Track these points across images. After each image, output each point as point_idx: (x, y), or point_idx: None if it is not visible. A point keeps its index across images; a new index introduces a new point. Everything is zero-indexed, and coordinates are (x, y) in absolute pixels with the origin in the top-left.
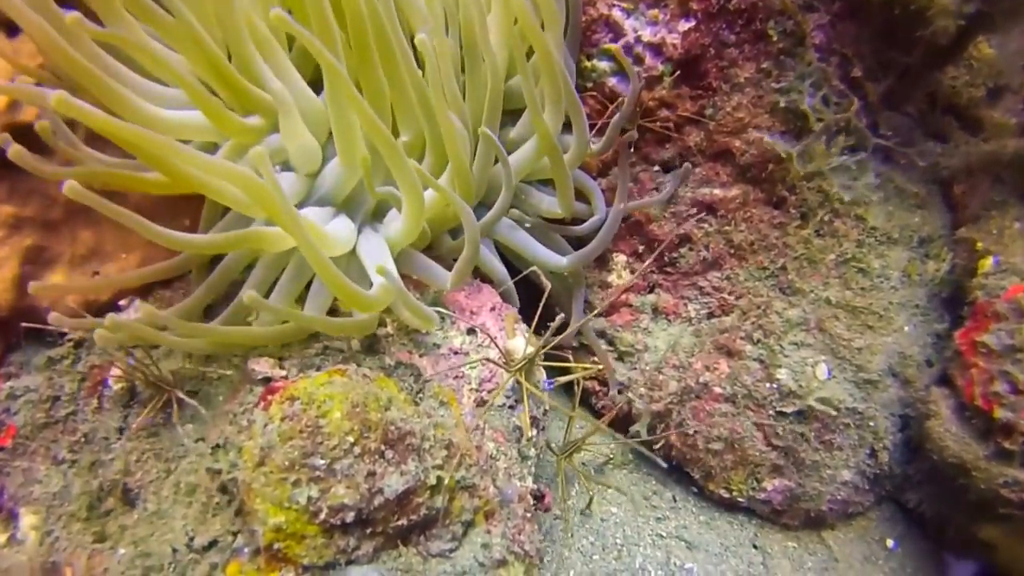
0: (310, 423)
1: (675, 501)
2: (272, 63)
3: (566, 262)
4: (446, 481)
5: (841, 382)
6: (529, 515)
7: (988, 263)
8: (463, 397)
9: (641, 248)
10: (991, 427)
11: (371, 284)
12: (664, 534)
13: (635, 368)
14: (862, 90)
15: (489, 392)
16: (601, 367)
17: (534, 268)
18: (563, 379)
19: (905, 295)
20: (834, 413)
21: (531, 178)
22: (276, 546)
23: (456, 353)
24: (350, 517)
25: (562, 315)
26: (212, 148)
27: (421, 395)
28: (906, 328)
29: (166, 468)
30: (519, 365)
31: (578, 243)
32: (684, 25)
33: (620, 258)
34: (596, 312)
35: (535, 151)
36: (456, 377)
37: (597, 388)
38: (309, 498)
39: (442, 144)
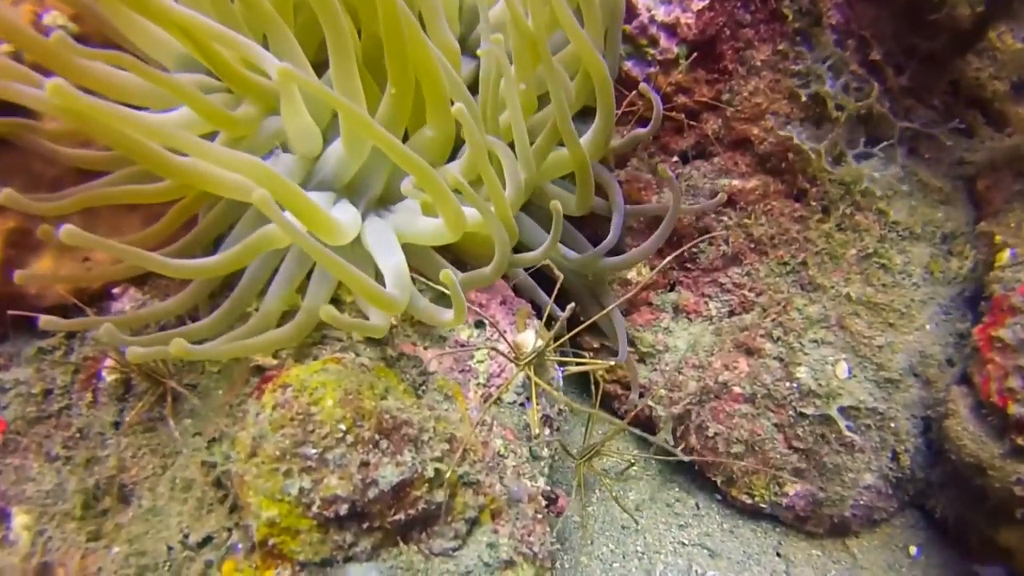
0: (301, 411)
1: (698, 508)
2: (276, 41)
3: (574, 257)
4: (447, 475)
5: (862, 381)
6: (540, 516)
7: (1005, 256)
8: (469, 392)
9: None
10: (1007, 424)
11: (374, 269)
12: (686, 542)
13: (655, 369)
14: (882, 74)
15: (498, 388)
16: (613, 363)
17: (547, 262)
18: (574, 368)
19: (927, 292)
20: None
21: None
22: (271, 542)
23: (463, 346)
24: (344, 509)
25: (573, 304)
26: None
27: (424, 388)
28: (928, 326)
29: (162, 464)
30: (528, 358)
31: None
32: (698, 4)
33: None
34: (610, 307)
35: (565, 162)
36: (463, 371)
37: (619, 392)
38: (301, 489)
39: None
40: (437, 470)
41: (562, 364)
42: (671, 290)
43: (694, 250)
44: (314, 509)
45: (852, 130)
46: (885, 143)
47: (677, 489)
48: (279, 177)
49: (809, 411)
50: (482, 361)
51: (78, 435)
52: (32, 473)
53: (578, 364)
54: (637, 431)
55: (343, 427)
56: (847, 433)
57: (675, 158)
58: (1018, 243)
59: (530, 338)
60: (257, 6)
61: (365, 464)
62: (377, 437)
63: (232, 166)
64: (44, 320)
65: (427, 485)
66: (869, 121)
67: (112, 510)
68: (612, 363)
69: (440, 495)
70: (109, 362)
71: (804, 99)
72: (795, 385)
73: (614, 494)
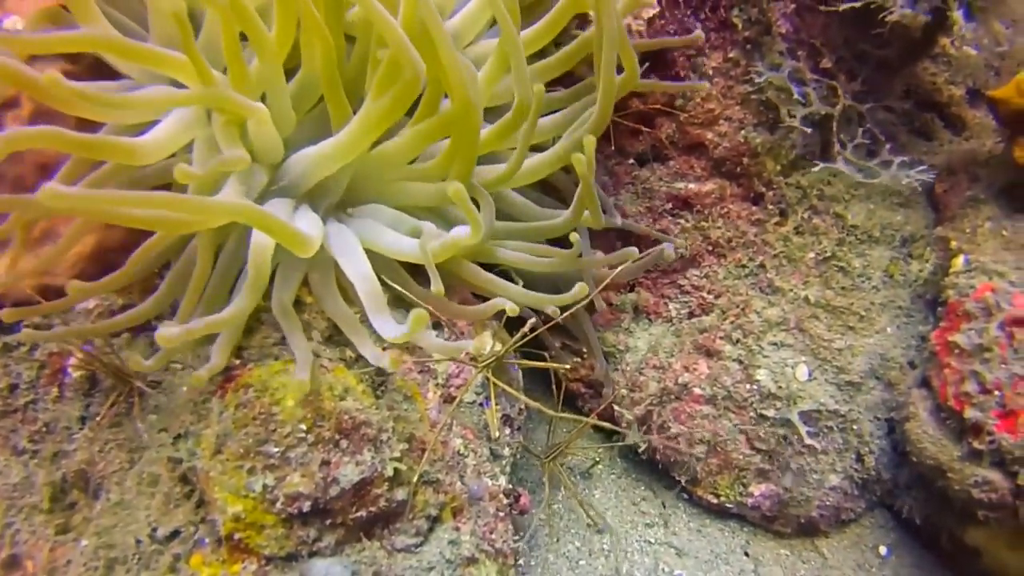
0: (263, 410)
1: (664, 507)
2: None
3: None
4: (405, 473)
5: (822, 384)
6: (502, 514)
7: (959, 262)
8: (428, 392)
9: (619, 244)
10: (964, 427)
11: (334, 274)
12: (653, 540)
13: (616, 369)
14: (834, 79)
15: (457, 388)
16: (569, 366)
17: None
18: (527, 364)
19: (887, 295)
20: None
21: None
22: (237, 536)
23: (421, 347)
24: (307, 506)
25: (533, 320)
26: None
27: (384, 388)
28: (889, 329)
29: (129, 458)
30: (487, 361)
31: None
32: (648, 12)
33: (599, 253)
34: (576, 306)
35: (552, 162)
36: (422, 371)
37: (583, 390)
38: (265, 486)
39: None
40: (396, 469)
41: (519, 365)
42: (631, 291)
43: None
44: (278, 505)
45: (807, 135)
46: (840, 147)
47: (643, 488)
48: (253, 208)
49: (770, 413)
50: (440, 361)
51: (44, 429)
52: None
53: (533, 363)
54: (606, 424)
55: (304, 427)
56: (808, 439)
57: (631, 160)
58: (971, 249)
59: (487, 339)
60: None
61: (326, 463)
62: (337, 437)
63: (215, 210)
64: (24, 334)
65: (387, 484)
66: (824, 125)
67: (80, 503)
68: (569, 366)
69: (401, 493)
70: (74, 360)
71: (757, 104)
72: (755, 387)
73: (579, 497)
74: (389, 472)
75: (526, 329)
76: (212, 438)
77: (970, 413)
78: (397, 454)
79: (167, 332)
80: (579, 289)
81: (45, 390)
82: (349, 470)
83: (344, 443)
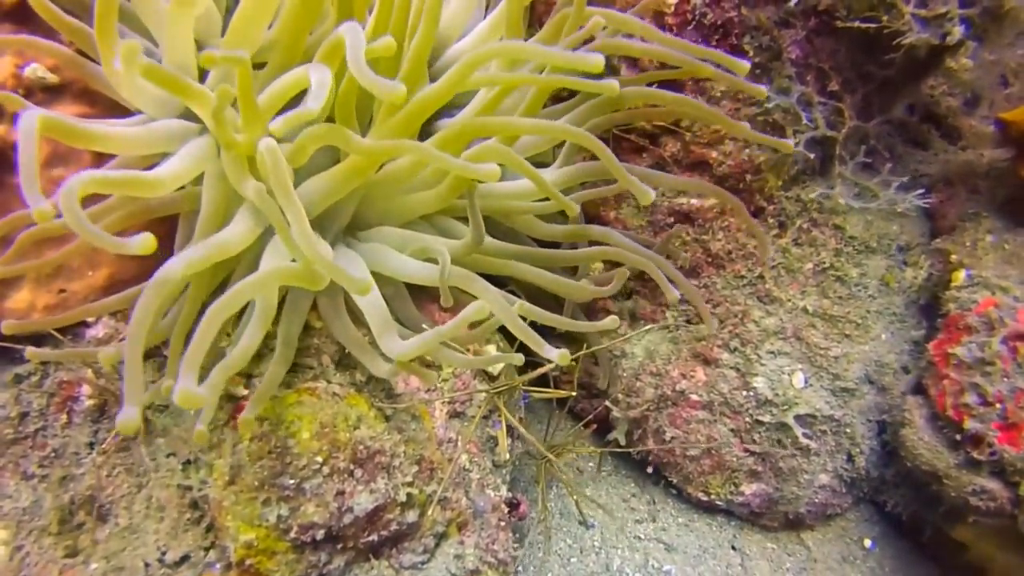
0: (279, 444)
1: (654, 503)
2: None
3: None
4: (416, 496)
5: (818, 390)
6: (503, 524)
7: (961, 276)
8: (435, 410)
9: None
10: (963, 437)
11: (343, 298)
12: (642, 536)
13: (616, 375)
14: (840, 102)
15: (462, 404)
16: (570, 394)
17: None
18: (539, 395)
19: (883, 303)
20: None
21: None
22: (248, 562)
23: (428, 366)
24: (320, 534)
25: (551, 366)
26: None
27: (392, 409)
28: (883, 336)
29: (137, 483)
30: (498, 388)
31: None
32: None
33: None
34: (568, 317)
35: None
36: (429, 390)
37: (576, 391)
38: (279, 516)
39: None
40: (409, 494)
41: (527, 392)
42: (628, 298)
43: None
44: (291, 534)
45: (810, 150)
46: (841, 165)
47: (632, 485)
48: (273, 272)
49: (766, 419)
50: (447, 380)
51: (53, 454)
52: (9, 490)
53: (544, 392)
54: (618, 448)
55: (319, 459)
56: (803, 440)
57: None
58: (972, 263)
59: (491, 349)
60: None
61: (341, 493)
62: (352, 467)
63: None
64: (30, 351)
65: (399, 508)
66: (827, 144)
67: (88, 526)
68: (575, 394)
69: (412, 515)
70: (86, 388)
71: (763, 124)
72: (752, 394)
73: (580, 495)
74: (402, 498)
75: (545, 370)
76: (225, 468)
77: (970, 424)
78: (409, 478)
79: (186, 392)
80: (611, 321)
81: (54, 417)
82: (363, 498)
83: (359, 472)
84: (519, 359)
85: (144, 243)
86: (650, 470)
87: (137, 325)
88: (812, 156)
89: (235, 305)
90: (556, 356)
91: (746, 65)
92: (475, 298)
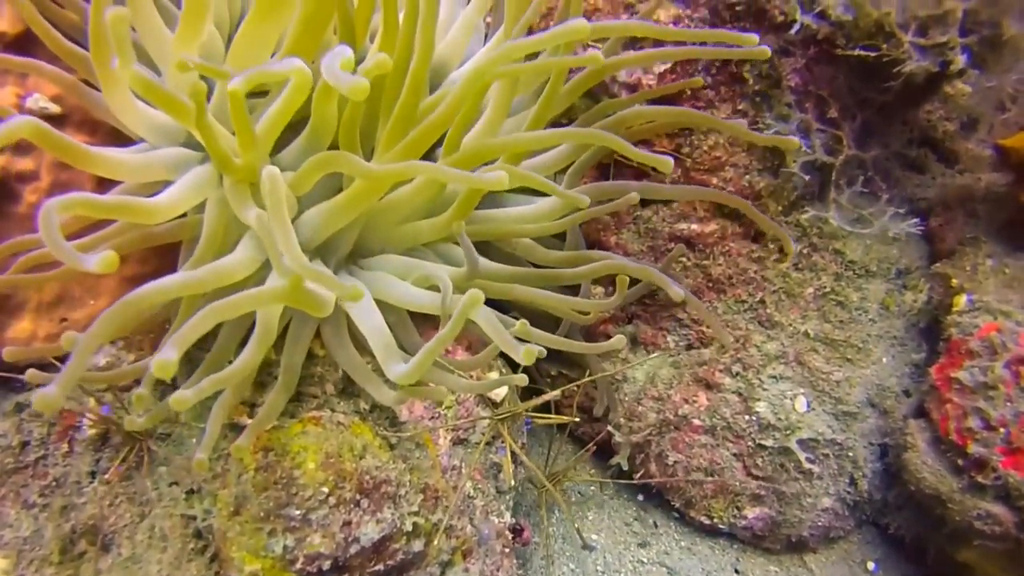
0: (284, 474)
1: (656, 527)
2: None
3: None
4: (421, 524)
5: (820, 414)
6: (507, 550)
7: (962, 301)
8: (439, 438)
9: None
10: (967, 461)
11: (346, 324)
12: (645, 560)
13: (616, 399)
14: (838, 129)
15: (465, 431)
16: (572, 419)
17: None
18: (541, 420)
19: (883, 327)
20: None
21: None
22: None
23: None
24: (326, 565)
25: (555, 393)
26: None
27: (397, 437)
28: (884, 359)
29: (140, 512)
30: (501, 415)
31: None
32: (660, 67)
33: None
34: (564, 339)
35: (541, 215)
36: (432, 418)
37: (576, 415)
38: (285, 547)
39: None
40: (415, 523)
41: (531, 418)
42: (629, 323)
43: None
44: (298, 565)
45: (810, 176)
46: (837, 191)
47: (635, 508)
48: (279, 290)
49: (768, 443)
50: (450, 407)
51: (54, 483)
52: (10, 520)
53: (546, 417)
54: (624, 475)
55: (325, 489)
56: (806, 464)
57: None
58: (973, 287)
59: (494, 375)
60: None
61: (347, 523)
62: (358, 497)
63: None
64: (30, 374)
65: (406, 538)
66: (825, 170)
67: (89, 556)
68: (577, 419)
69: (418, 544)
70: (88, 419)
71: (763, 151)
72: (754, 418)
73: (576, 525)
74: (408, 527)
75: (548, 397)
76: (230, 498)
77: (973, 448)
78: (415, 508)
79: (182, 396)
80: (616, 340)
81: (55, 446)
82: (370, 528)
83: (365, 502)
84: (522, 379)
85: (105, 261)
86: (652, 492)
87: (112, 312)
88: (807, 178)
89: (232, 310)
90: (523, 351)
91: (755, 38)
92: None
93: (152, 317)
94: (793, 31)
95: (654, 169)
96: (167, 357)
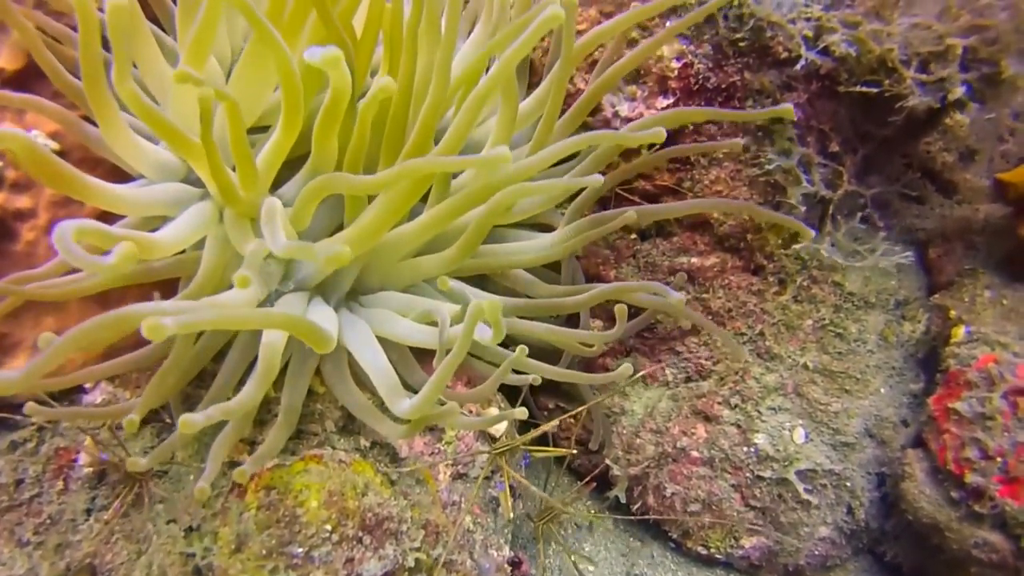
0: (287, 513)
1: (653, 557)
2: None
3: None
4: (423, 560)
5: (818, 445)
6: None
7: (960, 332)
8: (439, 473)
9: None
10: (964, 491)
11: (347, 362)
12: None
13: (612, 431)
14: (839, 163)
15: (464, 465)
16: (570, 451)
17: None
18: (539, 453)
19: (882, 358)
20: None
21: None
22: None
23: (431, 430)
24: None
25: (552, 424)
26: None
27: (398, 473)
28: (882, 390)
29: (137, 550)
30: (500, 449)
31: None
32: (662, 102)
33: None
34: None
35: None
36: (432, 453)
37: (574, 448)
38: None
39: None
40: (417, 559)
41: (531, 453)
42: (627, 356)
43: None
44: None
45: (809, 209)
46: (834, 226)
47: (631, 539)
48: (282, 316)
49: (767, 474)
50: (450, 443)
51: (49, 521)
52: (3, 558)
53: (544, 449)
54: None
55: (328, 527)
56: (804, 494)
57: (634, 235)
58: (971, 319)
59: (493, 411)
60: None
61: (350, 560)
62: (360, 534)
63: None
64: (29, 407)
65: (407, 573)
66: (825, 202)
67: None
68: (575, 451)
69: None
70: (84, 458)
71: (764, 185)
72: (753, 450)
73: (573, 559)
74: (410, 563)
75: (545, 429)
76: (231, 537)
77: (971, 478)
78: (417, 543)
79: (190, 419)
80: (624, 368)
81: (50, 484)
82: (373, 565)
83: (367, 539)
84: (523, 413)
85: (124, 254)
86: (649, 522)
87: (96, 322)
88: (804, 210)
89: (232, 323)
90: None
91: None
92: (479, 358)
93: (149, 355)
94: (798, 67)
95: (652, 201)
96: (156, 320)
